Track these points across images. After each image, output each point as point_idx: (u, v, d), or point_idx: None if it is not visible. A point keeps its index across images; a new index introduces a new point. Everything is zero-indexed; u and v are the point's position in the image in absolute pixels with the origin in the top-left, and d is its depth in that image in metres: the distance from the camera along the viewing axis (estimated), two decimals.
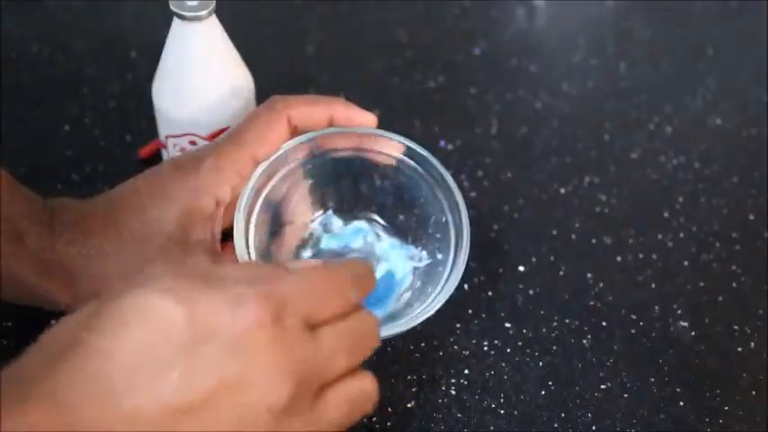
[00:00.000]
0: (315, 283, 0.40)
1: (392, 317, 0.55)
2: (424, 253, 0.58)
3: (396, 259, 0.58)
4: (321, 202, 0.59)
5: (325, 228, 0.59)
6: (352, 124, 0.55)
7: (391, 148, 0.56)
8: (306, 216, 0.59)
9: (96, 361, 0.35)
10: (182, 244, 0.53)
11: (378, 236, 0.59)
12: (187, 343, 0.35)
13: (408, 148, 0.56)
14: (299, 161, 0.56)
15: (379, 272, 0.58)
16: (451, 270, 0.54)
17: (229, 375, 0.36)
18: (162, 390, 0.35)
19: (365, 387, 0.41)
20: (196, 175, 0.53)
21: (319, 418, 0.39)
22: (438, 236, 0.56)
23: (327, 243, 0.59)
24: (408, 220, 0.59)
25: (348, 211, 0.60)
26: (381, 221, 0.60)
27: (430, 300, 0.53)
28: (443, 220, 0.56)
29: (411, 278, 0.57)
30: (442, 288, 0.53)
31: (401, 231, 0.59)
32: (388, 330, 0.51)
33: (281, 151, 0.54)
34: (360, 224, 0.60)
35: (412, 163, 0.56)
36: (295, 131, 0.55)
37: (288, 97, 0.54)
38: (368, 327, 0.41)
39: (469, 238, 0.54)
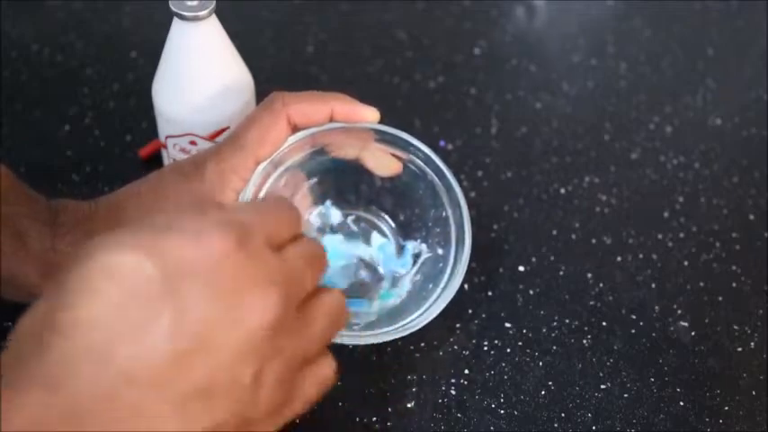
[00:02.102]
0: (267, 209, 0.40)
1: (391, 315, 0.55)
2: (424, 246, 0.58)
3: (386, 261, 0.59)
4: (322, 199, 0.59)
5: (324, 219, 0.59)
6: (352, 120, 0.54)
7: (391, 162, 0.57)
8: (306, 213, 0.59)
9: (77, 333, 0.34)
10: None
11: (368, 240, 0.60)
12: (164, 289, 0.35)
13: (408, 143, 0.56)
14: (299, 159, 0.56)
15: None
16: (454, 266, 0.54)
17: (216, 307, 0.35)
18: (155, 339, 0.34)
19: (337, 299, 0.41)
20: (199, 181, 0.53)
21: (308, 329, 0.39)
22: (438, 230, 0.57)
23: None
24: (408, 214, 0.59)
25: (347, 204, 0.60)
26: (381, 214, 0.60)
27: (434, 297, 0.53)
28: (443, 214, 0.56)
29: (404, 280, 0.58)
30: (446, 285, 0.53)
31: (400, 224, 0.59)
32: (398, 333, 0.51)
33: (280, 150, 0.54)
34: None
35: (413, 158, 0.56)
36: (295, 129, 0.55)
37: (287, 94, 0.54)
38: (318, 247, 0.42)
39: (471, 234, 0.54)
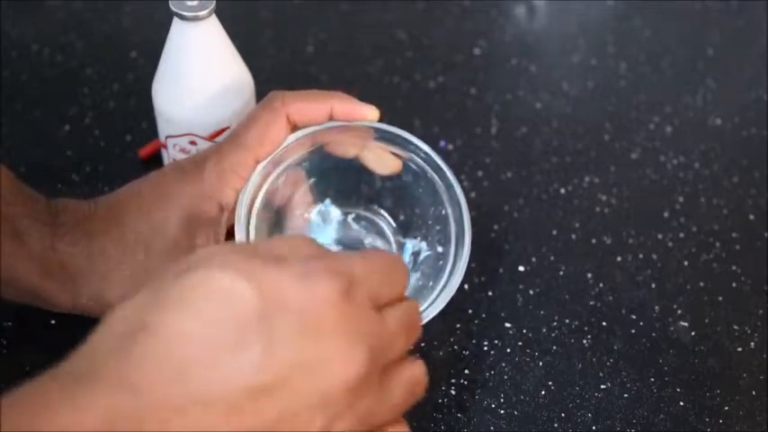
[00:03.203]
0: (378, 265, 0.39)
1: None
2: (424, 244, 0.58)
3: None
4: (321, 198, 0.59)
5: (324, 217, 0.59)
6: (352, 118, 0.54)
7: (391, 160, 0.57)
8: (306, 212, 0.59)
9: (166, 342, 0.34)
10: (186, 247, 0.53)
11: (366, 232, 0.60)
12: (260, 319, 0.34)
13: (408, 141, 0.56)
14: (298, 157, 0.56)
15: None
16: (454, 264, 0.54)
17: (305, 351, 0.35)
18: (239, 368, 0.34)
19: (420, 371, 0.41)
20: (199, 180, 0.53)
21: (385, 396, 0.39)
22: (438, 228, 0.57)
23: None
24: (408, 212, 0.59)
25: (347, 203, 0.60)
26: (381, 213, 0.60)
27: (434, 295, 0.53)
28: (443, 212, 0.56)
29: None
30: (446, 283, 0.53)
31: (400, 223, 0.59)
32: None
33: (280, 149, 0.54)
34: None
35: (413, 157, 0.56)
36: (295, 128, 0.55)
37: (286, 93, 0.54)
38: (416, 313, 0.41)
39: (471, 232, 0.54)
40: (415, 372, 0.40)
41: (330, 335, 0.36)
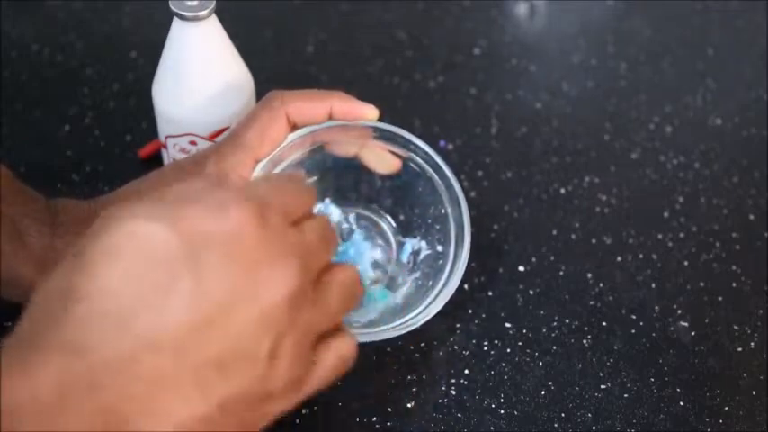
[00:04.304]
0: (285, 185, 0.40)
1: (391, 314, 0.55)
2: (423, 243, 0.58)
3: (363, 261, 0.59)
4: (322, 197, 0.59)
5: None
6: (351, 118, 0.54)
7: (390, 159, 0.57)
8: None
9: (99, 300, 0.34)
10: None
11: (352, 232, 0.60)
12: (185, 257, 0.35)
13: (407, 140, 0.56)
14: (298, 157, 0.56)
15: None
16: (454, 263, 0.54)
17: (234, 278, 0.35)
18: (175, 307, 0.34)
19: (351, 273, 0.41)
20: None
21: (322, 302, 0.39)
22: (437, 227, 0.57)
23: None
24: (407, 211, 0.59)
25: (346, 202, 0.60)
26: (380, 212, 0.60)
27: (434, 294, 0.53)
28: (442, 212, 0.56)
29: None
30: (446, 282, 0.53)
31: (399, 221, 0.59)
32: (398, 331, 0.51)
33: (280, 148, 0.54)
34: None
35: (413, 156, 0.56)
36: (294, 127, 0.55)
37: (285, 93, 0.54)
38: (328, 225, 0.42)
39: (470, 231, 0.54)
40: (346, 273, 0.41)
41: (256, 258, 0.36)
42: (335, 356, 0.40)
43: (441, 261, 0.55)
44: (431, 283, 0.55)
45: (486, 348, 0.61)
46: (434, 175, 0.56)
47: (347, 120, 0.54)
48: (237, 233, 0.36)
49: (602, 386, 0.60)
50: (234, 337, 0.35)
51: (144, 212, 0.36)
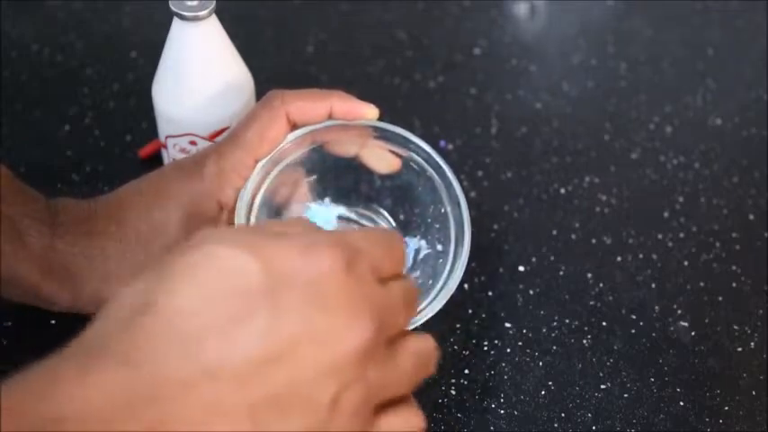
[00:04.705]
0: (379, 239, 0.40)
1: None
2: (423, 243, 0.58)
3: None
4: (321, 197, 0.59)
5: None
6: (351, 117, 0.54)
7: (390, 159, 0.57)
8: (306, 210, 0.59)
9: (172, 318, 0.34)
10: None
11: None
12: (266, 291, 0.34)
13: (407, 140, 0.56)
14: (298, 156, 0.56)
15: None
16: (453, 263, 0.54)
17: (312, 320, 0.35)
18: (246, 339, 0.34)
19: (429, 343, 0.41)
20: (199, 179, 0.53)
21: (394, 366, 0.38)
22: (437, 227, 0.57)
23: None
24: (407, 211, 0.59)
25: (346, 201, 0.60)
26: (380, 211, 0.60)
27: (434, 293, 0.53)
28: (442, 211, 0.56)
29: None
30: (446, 281, 0.53)
31: (399, 221, 0.59)
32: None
33: (279, 148, 0.54)
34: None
35: (413, 156, 0.56)
36: (294, 127, 0.55)
37: (285, 92, 0.54)
38: (415, 290, 0.41)
39: (470, 230, 0.54)
40: (425, 343, 0.40)
41: (335, 305, 0.36)
42: (397, 426, 0.39)
43: (441, 261, 0.55)
44: (431, 282, 0.55)
45: (486, 348, 0.61)
46: (434, 174, 0.56)
47: (347, 119, 0.54)
48: (322, 276, 0.36)
49: (602, 386, 0.60)
50: (298, 380, 0.35)
51: (232, 239, 0.36)
